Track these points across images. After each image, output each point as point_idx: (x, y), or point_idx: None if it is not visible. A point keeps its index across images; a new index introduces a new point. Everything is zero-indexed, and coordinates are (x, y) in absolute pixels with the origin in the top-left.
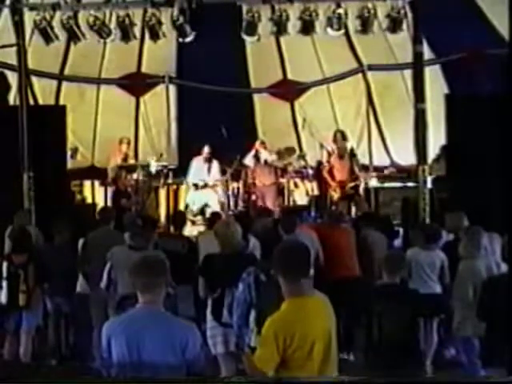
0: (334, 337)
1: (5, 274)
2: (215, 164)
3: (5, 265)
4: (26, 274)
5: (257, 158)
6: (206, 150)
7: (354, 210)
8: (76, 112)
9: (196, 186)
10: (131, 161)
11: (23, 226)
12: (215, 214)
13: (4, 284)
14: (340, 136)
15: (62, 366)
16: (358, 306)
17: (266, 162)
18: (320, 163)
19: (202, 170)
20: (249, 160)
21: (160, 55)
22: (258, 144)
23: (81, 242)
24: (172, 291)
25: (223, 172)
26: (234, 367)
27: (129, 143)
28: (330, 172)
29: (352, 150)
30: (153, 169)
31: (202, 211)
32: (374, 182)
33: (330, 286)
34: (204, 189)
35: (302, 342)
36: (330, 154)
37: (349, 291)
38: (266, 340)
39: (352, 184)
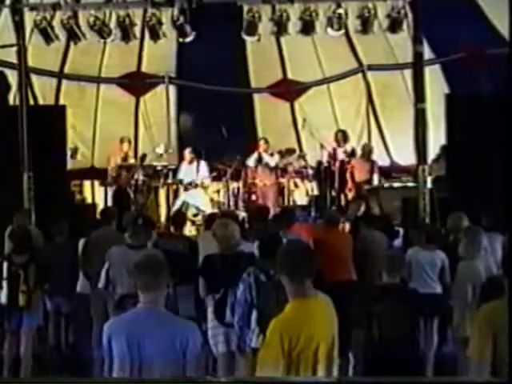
0: (336, 338)
1: (5, 274)
2: (202, 164)
3: (5, 265)
4: (26, 275)
5: (259, 159)
6: (187, 152)
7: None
8: (76, 111)
9: (186, 186)
10: (131, 160)
11: (23, 226)
12: (213, 215)
13: (4, 284)
14: (341, 136)
15: (62, 365)
16: (356, 308)
17: (267, 164)
18: (320, 163)
19: (191, 171)
20: (251, 162)
21: (160, 55)
22: (261, 144)
23: (82, 241)
24: (171, 291)
25: (212, 169)
26: (236, 367)
27: (130, 142)
28: (351, 173)
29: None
30: (160, 151)
31: (198, 212)
32: (374, 182)
33: (325, 290)
34: (194, 189)
35: (307, 344)
36: (330, 155)
37: (345, 295)
38: (271, 341)
39: (368, 186)
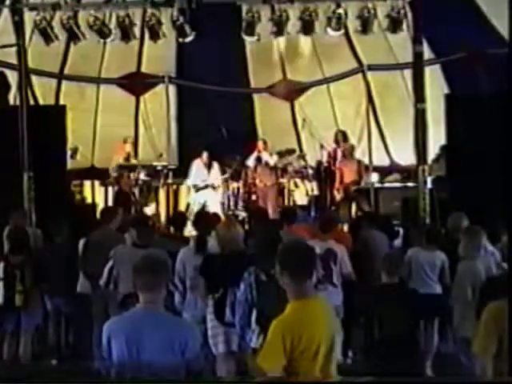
0: (336, 338)
1: (1, 274)
2: (215, 166)
3: (1, 265)
4: (23, 275)
5: (259, 159)
6: (205, 155)
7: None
8: (76, 111)
9: (196, 187)
10: (133, 160)
11: (20, 226)
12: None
13: (1, 284)
14: (341, 136)
15: (61, 366)
16: (356, 308)
17: (267, 163)
18: (320, 163)
19: (203, 172)
20: (251, 162)
21: (160, 55)
22: (260, 145)
23: (82, 241)
24: (173, 289)
25: (223, 173)
26: (236, 367)
27: (133, 143)
28: (340, 174)
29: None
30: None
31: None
32: (362, 182)
33: None
34: (205, 189)
35: (308, 344)
36: (330, 155)
37: (345, 295)
38: (273, 341)
39: (355, 187)
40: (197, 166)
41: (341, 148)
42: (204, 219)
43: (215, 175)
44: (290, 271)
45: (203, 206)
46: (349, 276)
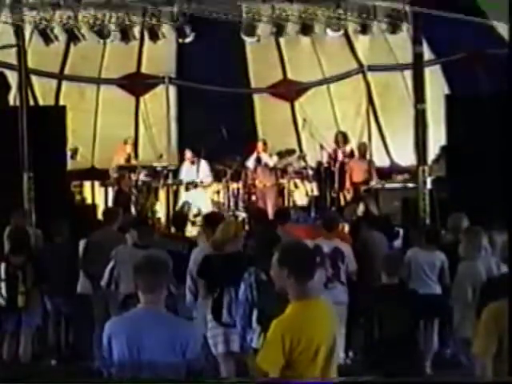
0: (336, 340)
1: (3, 275)
2: (203, 164)
3: (3, 266)
4: (25, 275)
5: (258, 160)
6: (188, 154)
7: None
8: (76, 112)
9: (186, 187)
10: (134, 161)
11: (21, 226)
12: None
13: (2, 285)
14: (341, 138)
15: (61, 366)
16: (356, 309)
17: (266, 164)
18: (320, 164)
19: (191, 171)
20: (251, 163)
21: (160, 56)
22: (259, 145)
23: (83, 242)
24: (175, 291)
25: (211, 170)
26: (235, 367)
27: (133, 144)
28: (350, 174)
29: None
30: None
31: (199, 212)
32: (372, 182)
33: None
34: (195, 189)
35: (308, 345)
36: (330, 156)
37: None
38: (273, 341)
39: (365, 187)
40: (186, 167)
41: (341, 148)
42: (215, 220)
43: (203, 172)
44: (293, 272)
45: (199, 207)
46: (355, 274)
